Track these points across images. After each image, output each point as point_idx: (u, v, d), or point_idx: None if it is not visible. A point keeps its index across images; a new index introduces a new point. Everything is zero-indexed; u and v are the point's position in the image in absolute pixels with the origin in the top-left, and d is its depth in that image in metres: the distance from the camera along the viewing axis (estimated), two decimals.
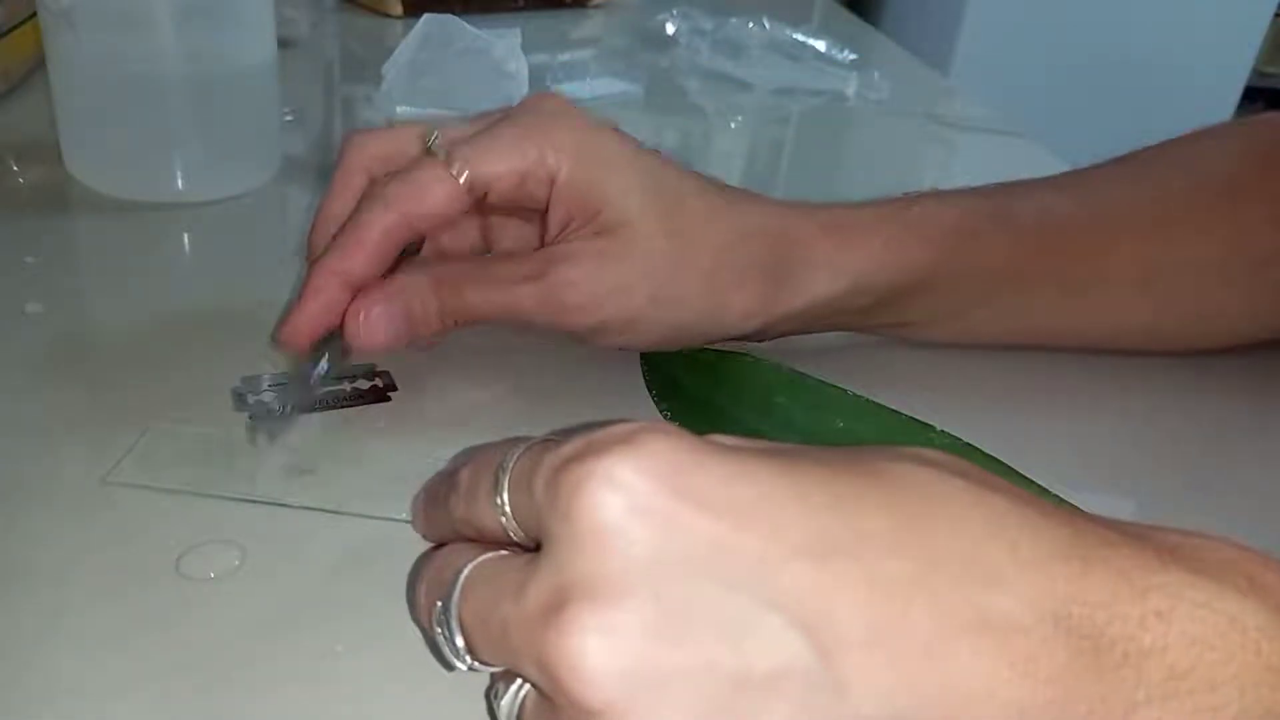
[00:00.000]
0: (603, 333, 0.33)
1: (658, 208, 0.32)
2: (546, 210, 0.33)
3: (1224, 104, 1.80)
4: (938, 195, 0.37)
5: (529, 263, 0.32)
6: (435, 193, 0.31)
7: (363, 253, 0.31)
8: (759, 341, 0.37)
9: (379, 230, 0.31)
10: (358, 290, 0.31)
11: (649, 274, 0.32)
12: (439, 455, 0.31)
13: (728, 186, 0.35)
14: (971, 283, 0.37)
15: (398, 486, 0.29)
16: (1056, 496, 0.29)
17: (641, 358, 0.37)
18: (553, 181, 0.32)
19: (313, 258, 0.33)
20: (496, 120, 0.32)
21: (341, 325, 0.31)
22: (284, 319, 0.31)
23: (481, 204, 0.32)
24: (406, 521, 0.28)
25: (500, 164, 0.31)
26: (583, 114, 0.33)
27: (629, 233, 0.32)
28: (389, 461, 0.31)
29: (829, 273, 0.35)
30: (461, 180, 0.31)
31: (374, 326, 0.31)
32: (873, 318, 0.38)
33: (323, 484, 0.29)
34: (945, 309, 0.38)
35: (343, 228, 0.31)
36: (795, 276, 0.35)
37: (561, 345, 0.39)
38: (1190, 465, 0.36)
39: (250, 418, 0.32)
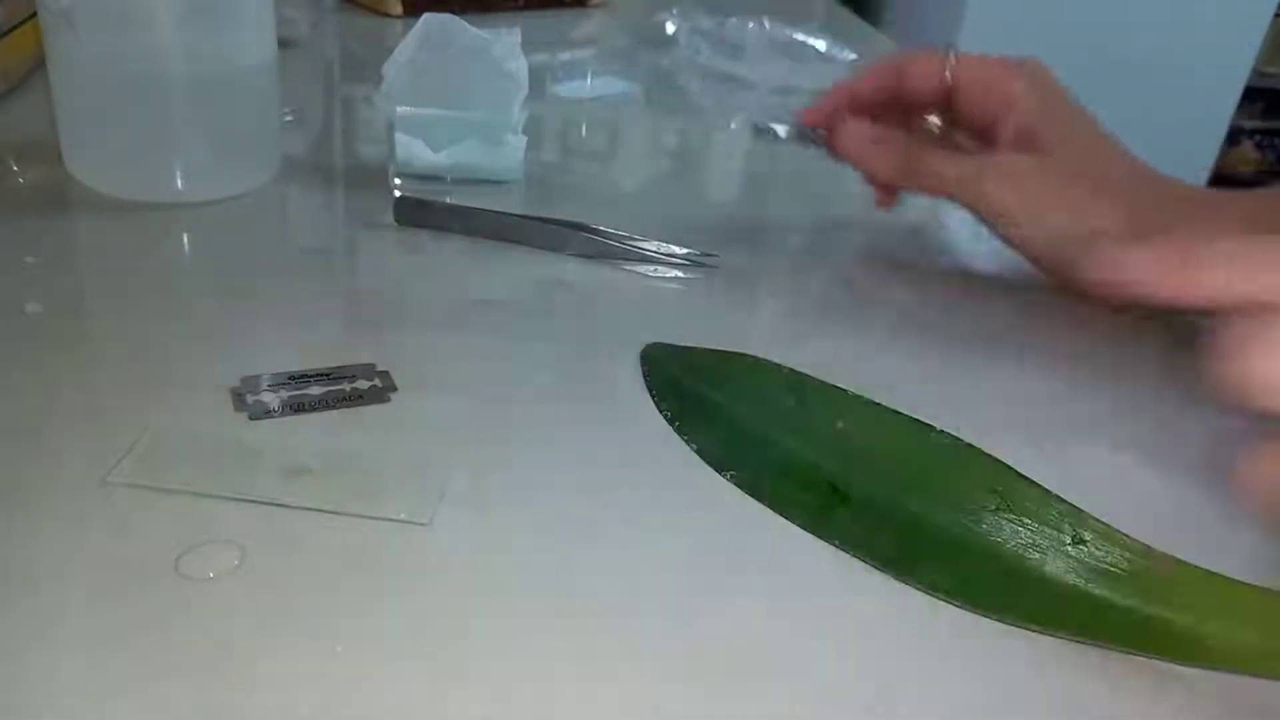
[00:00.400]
0: (1009, 216, 0.42)
1: (1097, 155, 0.42)
2: (995, 125, 0.43)
3: (1224, 104, 1.80)
4: None
5: (973, 159, 0.43)
6: (925, 63, 0.44)
7: (867, 79, 0.46)
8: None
9: (881, 68, 0.45)
10: (857, 110, 0.46)
11: (1067, 185, 0.41)
12: (439, 455, 0.31)
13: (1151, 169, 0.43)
14: None
15: (396, 487, 0.29)
16: (1057, 497, 0.29)
17: (641, 357, 0.37)
18: (1010, 103, 0.42)
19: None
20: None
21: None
22: (805, 109, 0.48)
23: (952, 98, 0.44)
24: (406, 522, 0.28)
25: (977, 70, 0.43)
26: (1055, 80, 0.43)
27: (1065, 157, 0.41)
28: (387, 461, 0.31)
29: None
30: (946, 67, 0.43)
31: (850, 133, 0.45)
32: None
33: (323, 484, 0.29)
34: None
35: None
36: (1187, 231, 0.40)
37: (561, 345, 0.39)
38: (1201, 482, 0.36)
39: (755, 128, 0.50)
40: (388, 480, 0.30)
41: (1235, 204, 0.42)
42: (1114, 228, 0.40)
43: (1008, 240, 0.44)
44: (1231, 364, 0.26)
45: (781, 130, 0.48)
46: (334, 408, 0.33)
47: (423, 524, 0.28)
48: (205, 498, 0.28)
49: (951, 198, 0.44)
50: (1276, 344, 0.26)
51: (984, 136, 0.45)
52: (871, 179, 0.46)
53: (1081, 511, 0.28)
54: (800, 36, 0.82)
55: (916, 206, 0.60)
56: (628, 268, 0.46)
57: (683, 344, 0.38)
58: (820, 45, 0.82)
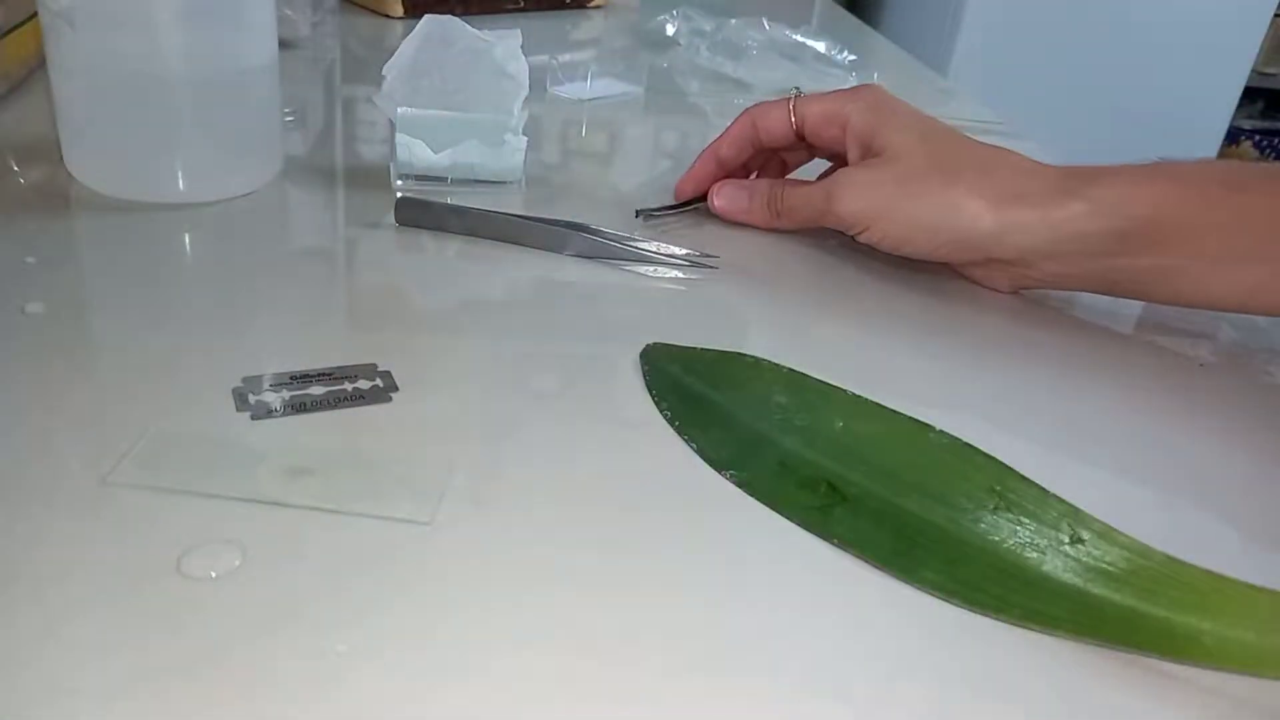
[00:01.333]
0: (860, 222, 0.45)
1: (924, 145, 0.44)
2: (841, 148, 0.47)
3: (1224, 104, 1.80)
4: (1198, 159, 0.43)
5: (820, 183, 0.47)
6: (774, 110, 0.49)
7: (725, 140, 0.51)
8: (1008, 287, 0.46)
9: (736, 126, 0.51)
10: (724, 173, 0.52)
11: (900, 178, 0.44)
12: (440, 455, 0.31)
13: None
14: (1241, 234, 0.39)
15: (398, 486, 0.30)
16: (1056, 497, 0.29)
17: (641, 357, 0.37)
18: (846, 125, 0.46)
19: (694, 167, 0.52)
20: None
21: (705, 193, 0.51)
22: (679, 180, 0.52)
23: (804, 136, 0.49)
24: (408, 521, 0.28)
25: (816, 104, 0.48)
26: (891, 96, 0.47)
27: (893, 155, 0.44)
28: (389, 461, 0.31)
29: (1086, 205, 0.40)
30: (791, 109, 0.49)
31: (721, 193, 0.51)
32: (1129, 257, 0.40)
33: (323, 484, 0.29)
34: (1210, 255, 0.40)
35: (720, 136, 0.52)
36: (1045, 202, 0.41)
37: (561, 345, 0.39)
38: (1200, 477, 0.36)
39: (637, 213, 0.51)
40: (389, 480, 0.30)
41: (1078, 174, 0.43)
42: (971, 208, 0.42)
43: (874, 245, 0.45)
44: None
45: (659, 210, 0.51)
46: (336, 407, 0.33)
47: (424, 523, 0.28)
48: (207, 498, 0.28)
49: (820, 225, 0.48)
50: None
51: (840, 162, 0.49)
52: (755, 227, 0.51)
53: (1080, 511, 0.28)
54: (799, 38, 0.83)
55: None
56: (628, 268, 0.46)
57: (683, 344, 0.38)
58: (819, 47, 0.82)
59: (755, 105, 0.50)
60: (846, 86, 0.49)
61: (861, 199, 0.44)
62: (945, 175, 0.43)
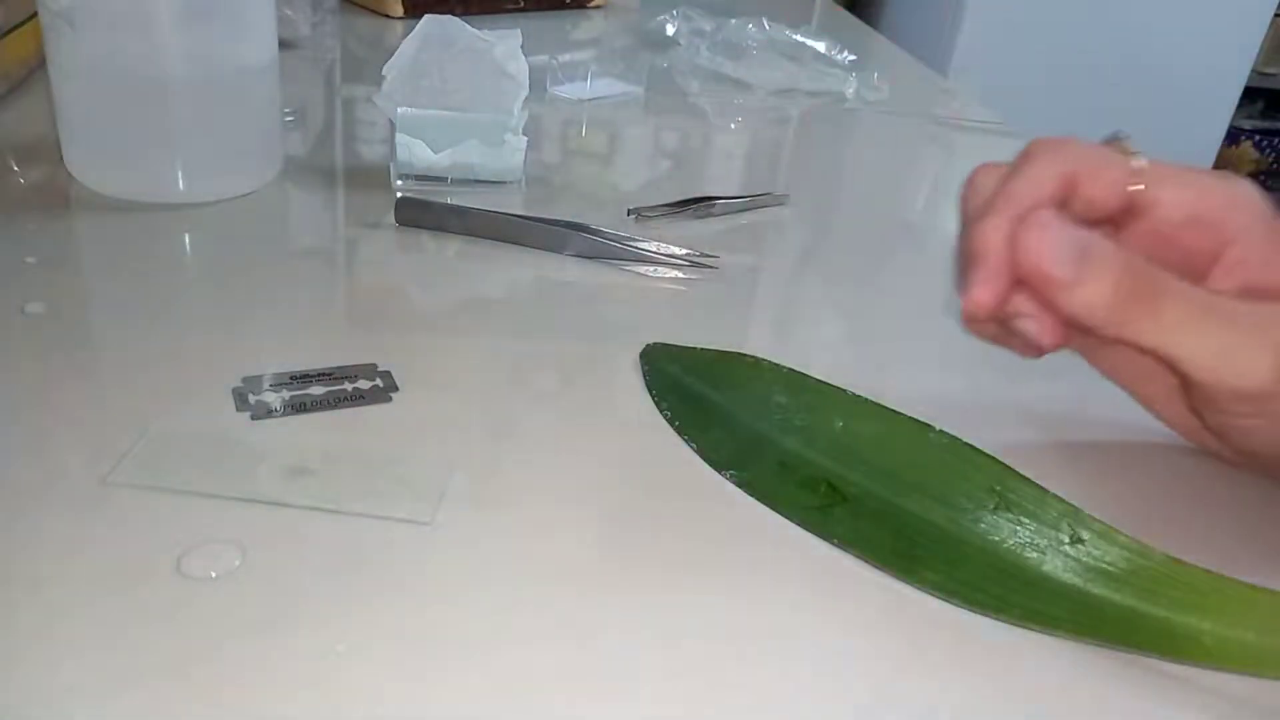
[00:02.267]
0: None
1: None
2: (1201, 261, 0.31)
3: (1224, 104, 1.80)
4: None
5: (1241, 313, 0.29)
6: (1106, 176, 0.31)
7: (1033, 201, 0.30)
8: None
9: (1051, 186, 0.30)
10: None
11: None
12: (440, 455, 0.31)
13: None
14: None
15: (398, 486, 0.30)
16: (1056, 497, 0.29)
17: (641, 357, 0.37)
18: (1228, 241, 0.31)
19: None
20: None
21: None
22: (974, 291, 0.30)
23: (1136, 217, 0.31)
24: (407, 521, 0.28)
25: (1177, 189, 0.31)
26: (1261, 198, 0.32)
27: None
28: (389, 461, 0.31)
29: None
30: (1132, 179, 0.31)
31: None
32: None
33: (323, 484, 0.29)
34: None
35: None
36: None
37: (561, 345, 0.39)
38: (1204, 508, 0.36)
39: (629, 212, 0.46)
40: (389, 480, 0.30)
41: None
42: None
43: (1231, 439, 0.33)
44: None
45: (652, 209, 0.48)
46: (336, 407, 0.33)
47: (424, 523, 0.28)
48: (207, 498, 0.28)
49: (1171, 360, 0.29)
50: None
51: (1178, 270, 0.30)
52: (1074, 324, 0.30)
53: (1080, 511, 0.28)
54: (799, 38, 0.83)
55: (915, 205, 0.60)
56: (628, 268, 0.46)
57: (683, 344, 0.38)
58: (819, 47, 0.82)
59: (1064, 147, 0.31)
60: (1207, 175, 0.32)
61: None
62: None
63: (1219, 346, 0.28)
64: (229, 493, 0.29)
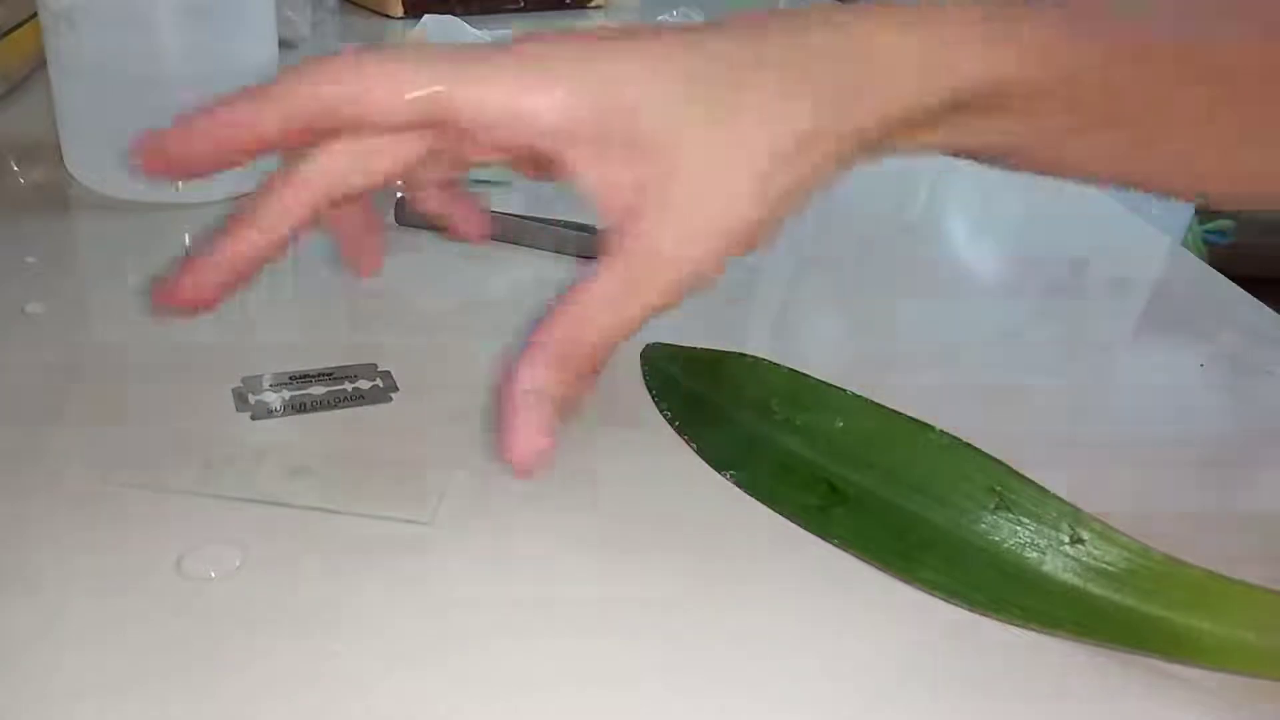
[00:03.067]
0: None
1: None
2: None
3: None
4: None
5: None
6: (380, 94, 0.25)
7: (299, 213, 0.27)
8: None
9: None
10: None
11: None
12: (440, 455, 0.31)
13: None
14: (1109, 102, 0.28)
15: (398, 486, 0.30)
16: (1056, 497, 0.29)
17: (641, 357, 0.37)
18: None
19: None
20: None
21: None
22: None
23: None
24: (407, 521, 0.28)
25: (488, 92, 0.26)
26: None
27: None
28: (389, 461, 0.31)
29: (917, 79, 0.26)
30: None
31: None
32: (973, 135, 0.28)
33: (322, 484, 0.29)
34: (1063, 128, 0.28)
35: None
36: (866, 91, 0.26)
37: None
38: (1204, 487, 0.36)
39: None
40: (389, 480, 0.30)
41: None
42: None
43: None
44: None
45: None
46: (336, 407, 0.33)
47: (424, 523, 0.28)
48: (207, 498, 0.28)
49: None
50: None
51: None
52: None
53: (1080, 511, 0.28)
54: None
55: (914, 205, 0.60)
56: None
57: (683, 344, 0.38)
58: None
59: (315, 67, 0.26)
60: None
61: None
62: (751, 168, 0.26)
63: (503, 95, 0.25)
64: (229, 493, 0.29)
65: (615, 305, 0.27)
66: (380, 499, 0.29)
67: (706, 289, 0.26)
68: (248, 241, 0.27)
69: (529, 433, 0.25)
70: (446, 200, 0.32)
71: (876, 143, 0.27)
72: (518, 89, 0.25)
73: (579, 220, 0.47)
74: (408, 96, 0.25)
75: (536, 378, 0.25)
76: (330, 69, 0.25)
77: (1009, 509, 0.29)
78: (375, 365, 0.35)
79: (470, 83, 0.25)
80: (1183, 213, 1.79)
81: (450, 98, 0.25)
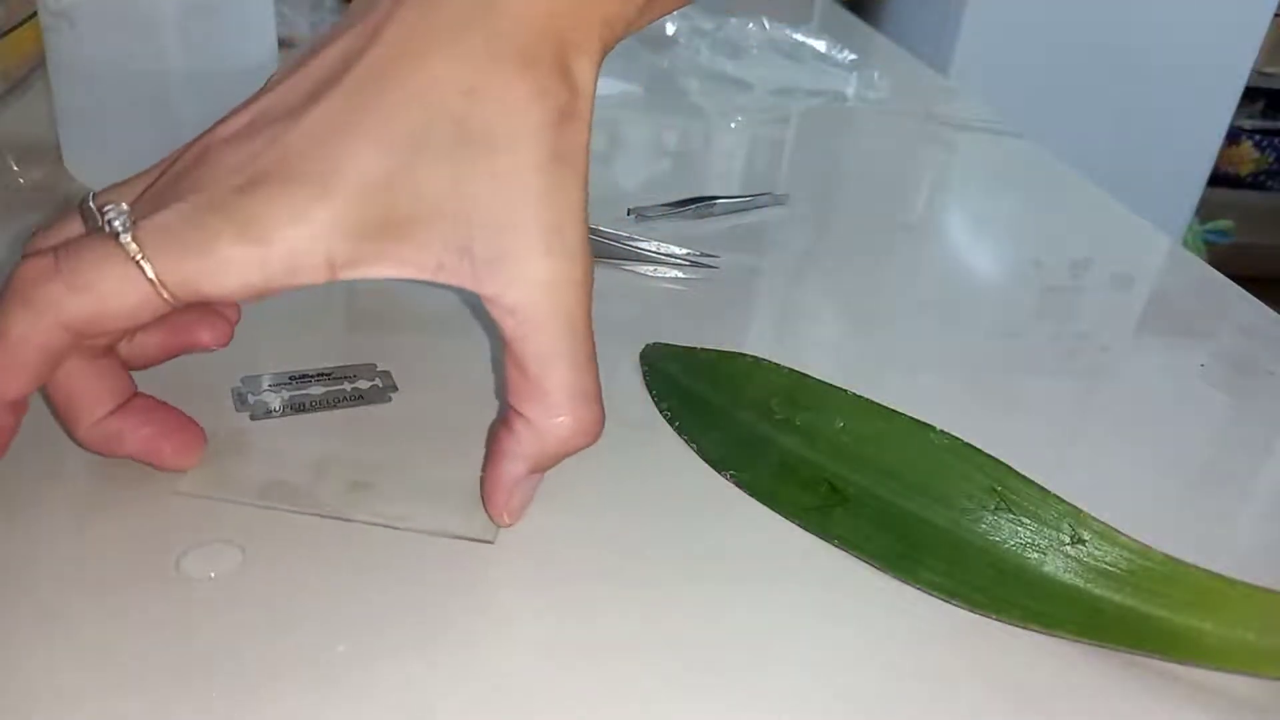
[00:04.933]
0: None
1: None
2: None
3: (1224, 104, 1.80)
4: None
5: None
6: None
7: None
8: None
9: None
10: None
11: None
12: (438, 455, 0.31)
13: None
14: None
15: (398, 487, 0.29)
16: (1056, 497, 0.29)
17: (641, 357, 0.37)
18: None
19: None
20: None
21: None
22: None
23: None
24: (408, 523, 0.28)
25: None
26: None
27: None
28: (390, 461, 0.31)
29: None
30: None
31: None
32: None
33: (325, 485, 0.29)
34: None
35: None
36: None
37: None
38: (1204, 474, 0.36)
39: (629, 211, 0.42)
40: (392, 478, 0.30)
41: None
42: None
43: None
44: None
45: (652, 209, 0.44)
46: (335, 407, 0.33)
47: (503, 526, 0.28)
48: (207, 498, 0.28)
49: None
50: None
51: None
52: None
53: (1080, 511, 0.28)
54: (799, 37, 0.83)
55: (914, 205, 0.60)
56: (628, 267, 0.46)
57: (683, 344, 0.38)
58: (819, 46, 0.82)
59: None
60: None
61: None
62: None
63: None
64: (229, 493, 0.29)
65: None
66: (382, 499, 0.29)
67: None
68: None
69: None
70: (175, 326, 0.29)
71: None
72: (261, 257, 0.24)
73: None
74: (144, 312, 0.24)
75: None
76: (51, 301, 0.23)
77: (1009, 509, 0.29)
78: (375, 365, 0.35)
79: (208, 274, 0.23)
80: (1183, 213, 1.79)
81: (196, 289, 0.24)
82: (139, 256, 0.23)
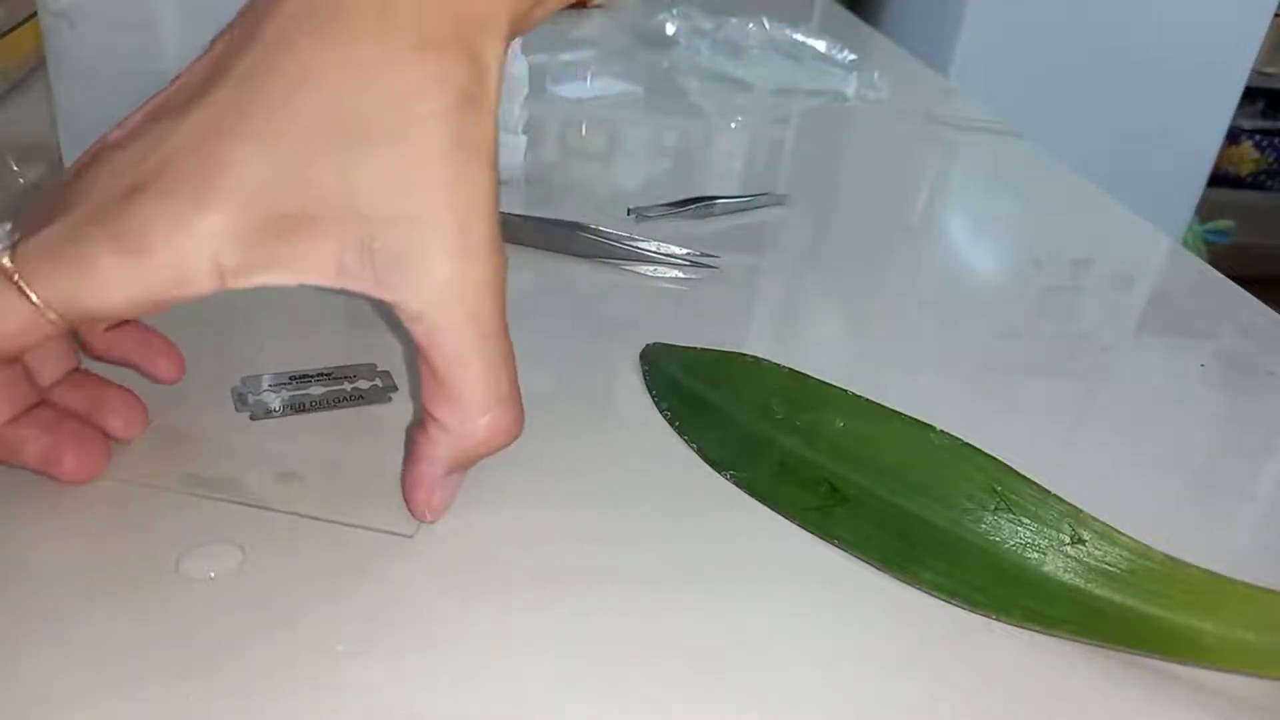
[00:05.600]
0: None
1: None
2: None
3: (1224, 104, 1.80)
4: None
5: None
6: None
7: None
8: None
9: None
10: None
11: None
12: None
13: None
14: None
15: (399, 487, 0.29)
16: (1056, 497, 0.29)
17: (641, 357, 0.37)
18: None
19: None
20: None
21: None
22: None
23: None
24: (408, 523, 0.28)
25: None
26: None
27: None
28: (390, 461, 0.31)
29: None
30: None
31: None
32: None
33: (322, 487, 0.29)
34: None
35: None
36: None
37: (561, 345, 0.39)
38: (1202, 472, 0.36)
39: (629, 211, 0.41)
40: (389, 481, 0.30)
41: None
42: None
43: None
44: None
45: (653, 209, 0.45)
46: (335, 407, 0.33)
47: (424, 523, 0.28)
48: (206, 498, 0.28)
49: None
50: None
51: None
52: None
53: (1081, 511, 0.28)
54: (799, 37, 0.83)
55: (914, 205, 0.60)
56: (628, 268, 0.46)
57: (683, 344, 0.38)
58: (819, 46, 0.82)
59: None
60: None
61: None
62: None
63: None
64: (229, 493, 0.29)
65: None
66: (381, 500, 0.29)
67: None
68: None
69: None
70: (128, 343, 0.30)
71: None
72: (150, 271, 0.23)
73: (579, 220, 0.47)
74: (32, 335, 0.23)
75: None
76: None
77: (1009, 509, 0.29)
78: (374, 365, 0.35)
79: (89, 290, 0.23)
80: (1183, 213, 1.79)
81: (82, 307, 0.23)
82: (17, 278, 0.23)
